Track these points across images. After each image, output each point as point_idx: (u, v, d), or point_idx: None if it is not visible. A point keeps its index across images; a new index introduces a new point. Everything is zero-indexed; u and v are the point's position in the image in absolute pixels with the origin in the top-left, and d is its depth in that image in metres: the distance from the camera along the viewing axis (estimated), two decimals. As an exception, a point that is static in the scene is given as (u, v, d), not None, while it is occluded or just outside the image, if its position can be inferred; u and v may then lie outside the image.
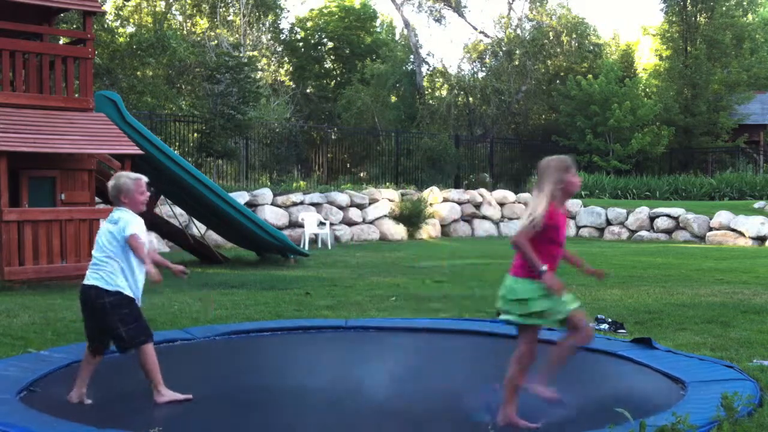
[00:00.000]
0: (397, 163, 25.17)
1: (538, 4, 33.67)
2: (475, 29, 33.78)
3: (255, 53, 30.71)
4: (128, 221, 4.70)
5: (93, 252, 4.81)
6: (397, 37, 37.97)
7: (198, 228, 14.55)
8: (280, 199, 18.11)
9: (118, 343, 4.79)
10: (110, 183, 4.86)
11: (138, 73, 22.30)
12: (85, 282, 4.76)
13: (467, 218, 21.94)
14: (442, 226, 21.27)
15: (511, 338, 6.70)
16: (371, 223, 19.65)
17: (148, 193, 4.99)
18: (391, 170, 25.02)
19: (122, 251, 4.71)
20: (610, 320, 7.25)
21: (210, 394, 5.07)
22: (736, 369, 5.28)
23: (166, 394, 4.78)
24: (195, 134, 21.30)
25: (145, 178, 4.90)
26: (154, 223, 13.76)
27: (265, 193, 17.98)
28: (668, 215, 20.49)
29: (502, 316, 4.33)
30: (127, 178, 4.84)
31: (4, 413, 4.31)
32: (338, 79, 35.71)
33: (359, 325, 7.28)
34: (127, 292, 4.71)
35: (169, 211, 14.44)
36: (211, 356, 6.28)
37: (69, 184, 10.93)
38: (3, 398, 4.67)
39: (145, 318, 4.90)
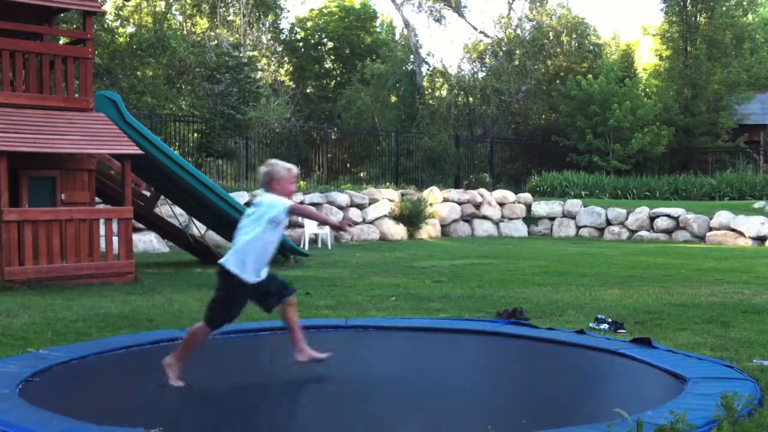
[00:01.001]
0: (397, 163, 25.16)
1: (538, 4, 33.65)
2: (475, 29, 33.82)
3: (255, 53, 30.70)
4: (272, 198, 4.75)
5: None
6: (397, 37, 37.96)
7: (198, 228, 14.54)
8: (280, 199, 18.08)
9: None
10: (262, 169, 4.86)
11: (138, 73, 22.29)
12: None
13: (467, 218, 21.95)
14: (442, 226, 21.28)
15: (512, 338, 6.74)
16: (371, 223, 19.65)
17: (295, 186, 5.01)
18: (391, 170, 25.01)
19: (255, 232, 4.75)
20: (610, 320, 7.24)
21: (209, 393, 5.08)
22: (736, 369, 5.28)
23: (171, 372, 4.85)
24: (195, 134, 21.30)
25: (296, 169, 4.93)
26: (154, 224, 13.78)
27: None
28: (668, 215, 20.49)
29: None
30: (282, 167, 4.85)
31: (3, 410, 4.30)
32: (338, 79, 35.72)
33: (359, 324, 7.28)
34: (232, 268, 4.77)
35: (169, 211, 14.44)
36: (210, 356, 6.27)
37: (69, 184, 10.93)
38: (2, 393, 4.67)
39: (235, 307, 4.90)
